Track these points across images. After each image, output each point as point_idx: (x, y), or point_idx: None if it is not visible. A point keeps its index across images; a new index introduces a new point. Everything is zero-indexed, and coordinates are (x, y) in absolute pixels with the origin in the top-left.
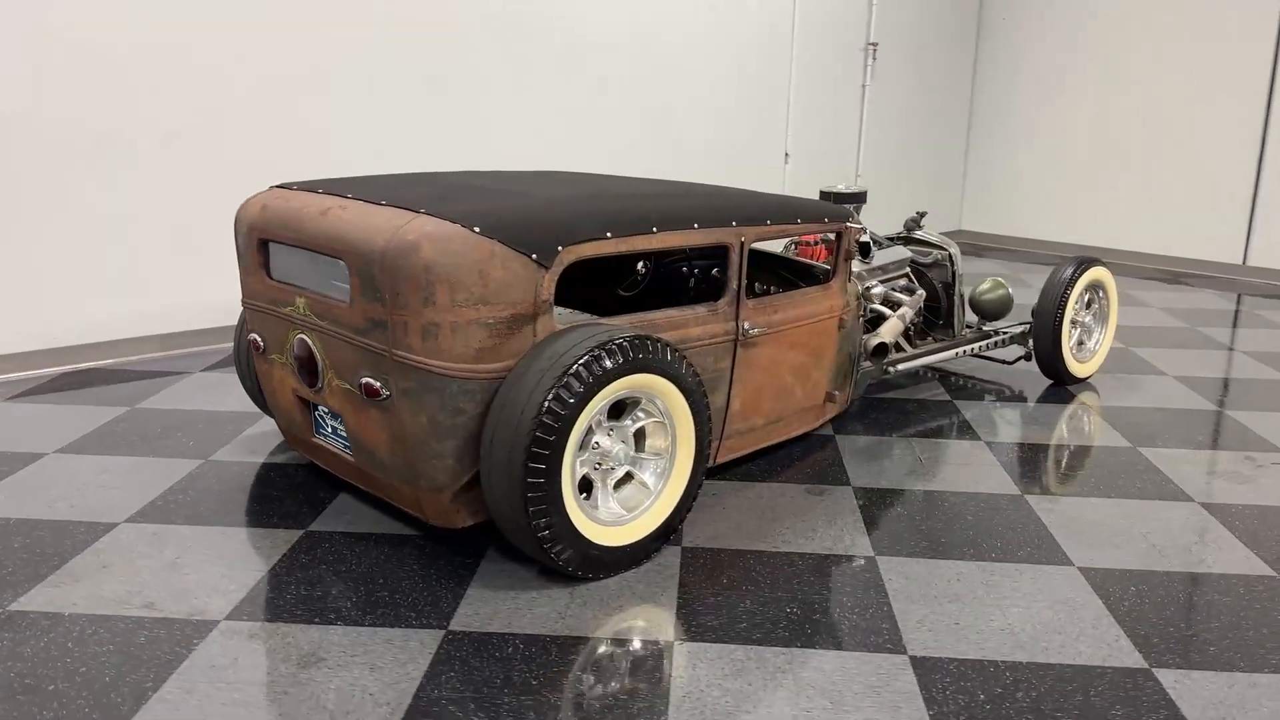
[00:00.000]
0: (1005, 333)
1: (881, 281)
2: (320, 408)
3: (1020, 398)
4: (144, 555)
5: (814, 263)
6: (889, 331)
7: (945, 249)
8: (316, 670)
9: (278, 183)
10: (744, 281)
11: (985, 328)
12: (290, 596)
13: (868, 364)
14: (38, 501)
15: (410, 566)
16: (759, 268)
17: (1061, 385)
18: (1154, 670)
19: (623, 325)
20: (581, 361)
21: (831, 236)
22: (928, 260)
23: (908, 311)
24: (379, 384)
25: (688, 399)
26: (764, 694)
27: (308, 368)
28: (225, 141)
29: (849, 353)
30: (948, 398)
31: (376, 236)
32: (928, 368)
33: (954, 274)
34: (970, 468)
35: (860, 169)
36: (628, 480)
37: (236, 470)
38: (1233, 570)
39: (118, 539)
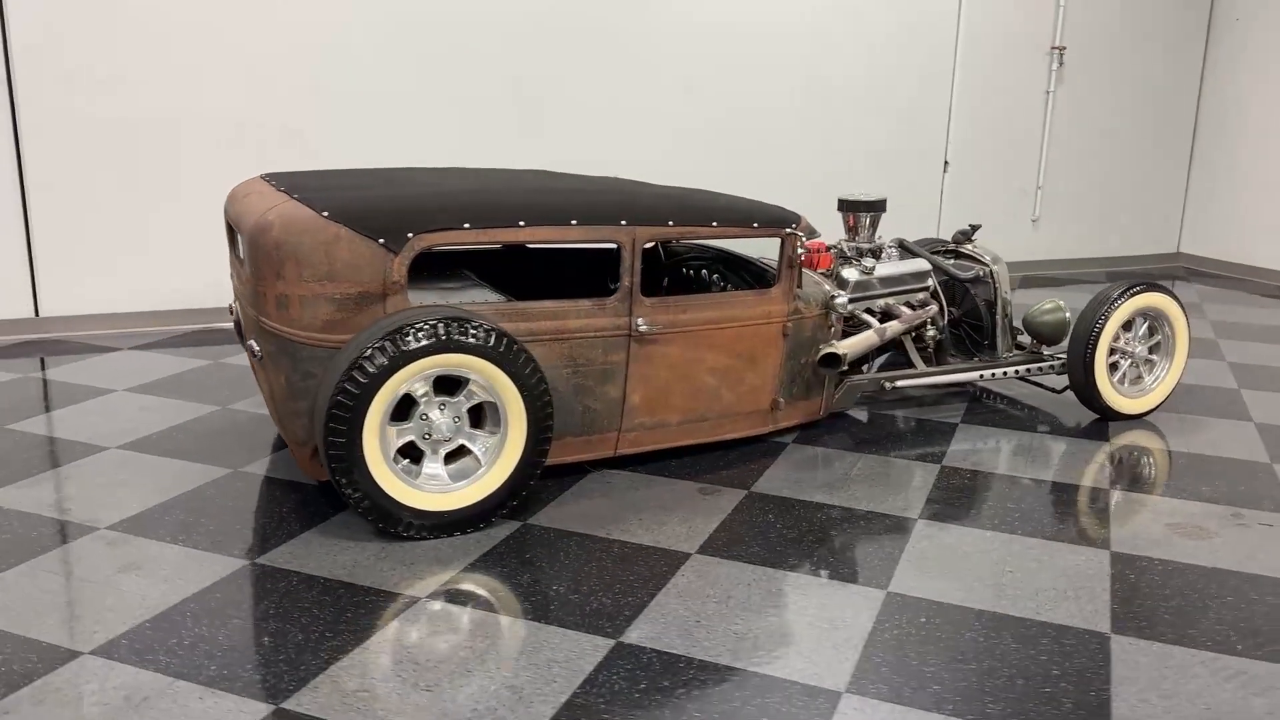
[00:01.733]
0: (1057, 358)
1: (892, 294)
2: None
3: (1042, 429)
4: (103, 474)
5: (770, 267)
6: (850, 344)
7: (987, 265)
8: (127, 576)
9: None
10: (637, 279)
11: (1046, 352)
12: (168, 520)
13: (860, 376)
14: (71, 425)
15: (280, 508)
16: (731, 268)
17: (1106, 420)
18: (843, 694)
19: (475, 311)
20: (387, 338)
21: (855, 242)
22: (968, 275)
23: (896, 326)
24: (258, 346)
25: (516, 383)
26: (450, 651)
27: (239, 330)
28: (351, 135)
29: (809, 361)
30: (956, 420)
31: (253, 217)
32: (976, 387)
33: (997, 292)
34: (893, 488)
35: (1042, 180)
36: (468, 453)
37: (238, 418)
38: (1059, 620)
39: (97, 459)
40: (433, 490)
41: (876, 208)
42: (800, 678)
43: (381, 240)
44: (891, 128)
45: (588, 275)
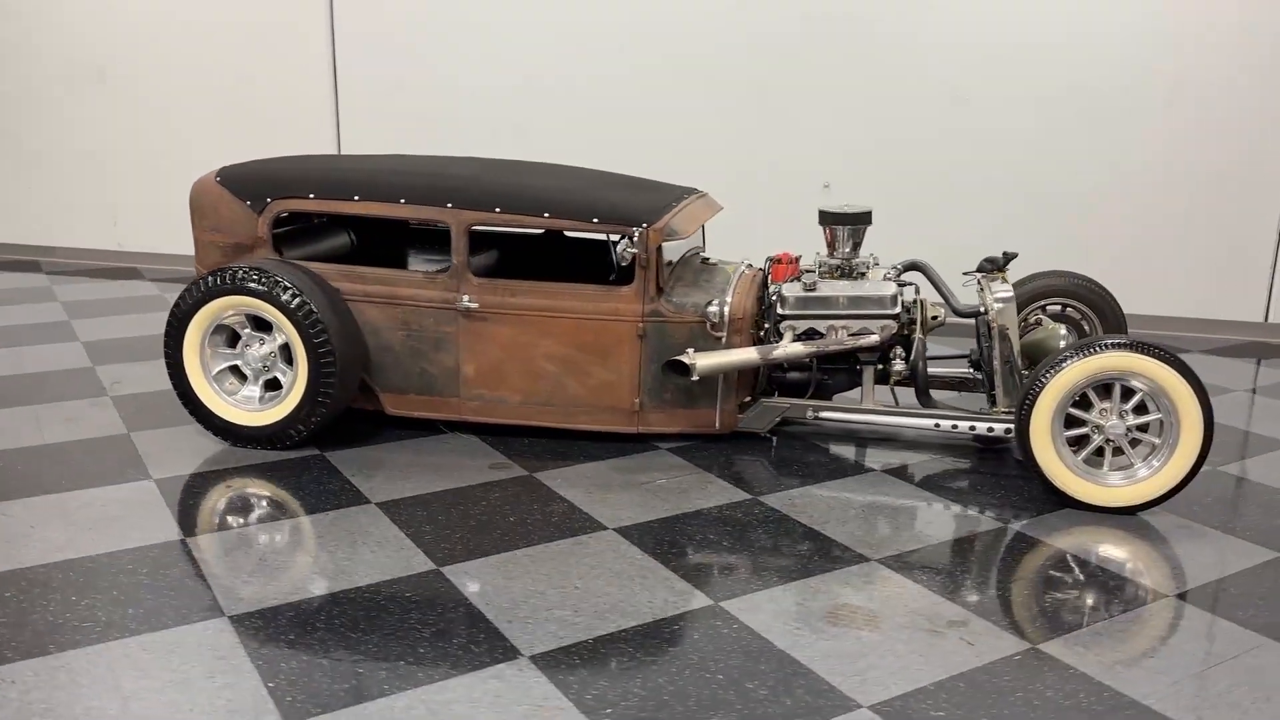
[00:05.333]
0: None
1: (829, 316)
2: None
3: (968, 501)
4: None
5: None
6: (711, 357)
7: (984, 304)
8: (60, 424)
9: None
10: (464, 258)
11: None
12: (155, 400)
13: (778, 399)
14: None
15: None
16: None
17: (1067, 507)
18: (204, 629)
19: (303, 267)
20: (204, 280)
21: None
22: (966, 311)
23: (796, 349)
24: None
25: (296, 330)
26: (95, 510)
27: None
28: (569, 135)
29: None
30: (878, 468)
31: None
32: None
33: (994, 333)
34: (651, 503)
35: None
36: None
37: None
38: (445, 640)
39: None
40: (238, 408)
41: (854, 220)
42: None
43: (248, 203)
44: (1211, 144)
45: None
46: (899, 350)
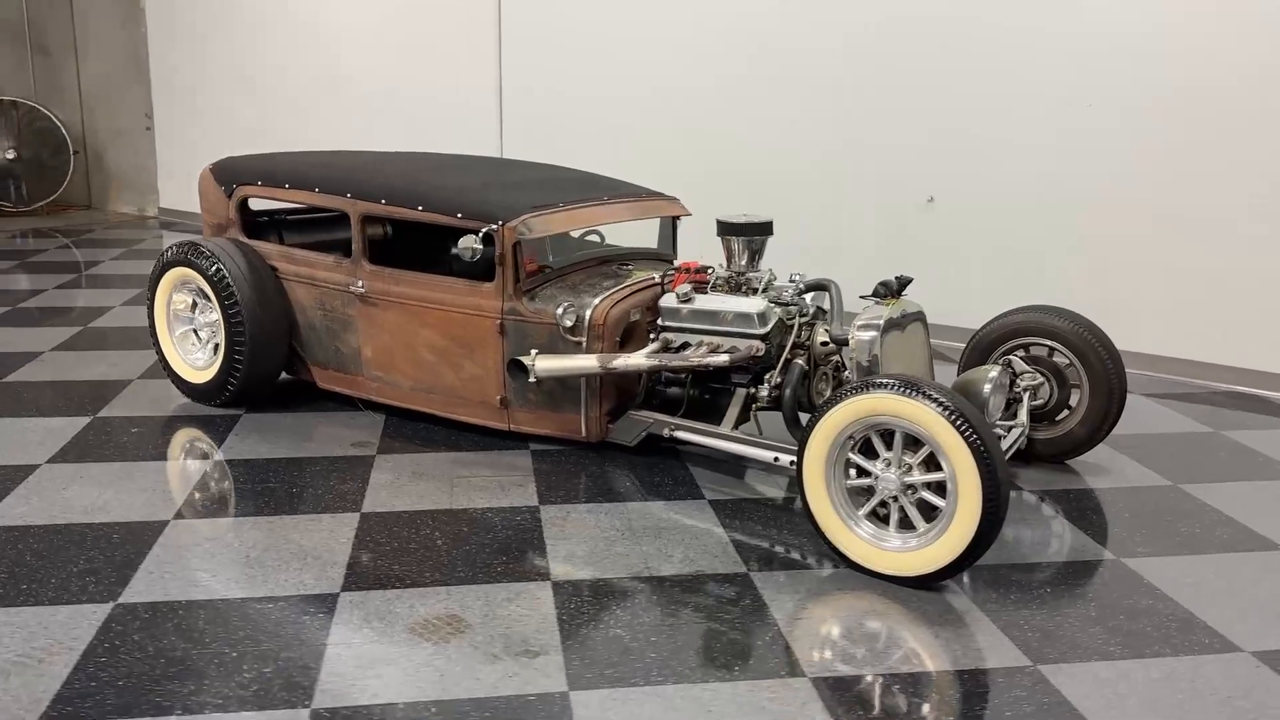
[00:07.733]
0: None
1: (697, 330)
2: None
3: (752, 525)
4: None
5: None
6: (549, 360)
7: (850, 332)
8: (98, 360)
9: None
10: (360, 245)
11: None
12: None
13: (644, 413)
14: None
15: None
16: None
17: (852, 568)
18: None
19: (247, 247)
20: (165, 252)
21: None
22: (839, 341)
23: (637, 361)
24: None
25: (218, 301)
26: (44, 437)
27: None
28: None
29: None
30: (708, 494)
31: None
32: None
33: (852, 366)
34: (422, 489)
35: None
36: None
37: None
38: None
39: None
40: (188, 365)
41: (749, 231)
42: None
43: (223, 188)
44: None
45: None
46: (772, 375)
